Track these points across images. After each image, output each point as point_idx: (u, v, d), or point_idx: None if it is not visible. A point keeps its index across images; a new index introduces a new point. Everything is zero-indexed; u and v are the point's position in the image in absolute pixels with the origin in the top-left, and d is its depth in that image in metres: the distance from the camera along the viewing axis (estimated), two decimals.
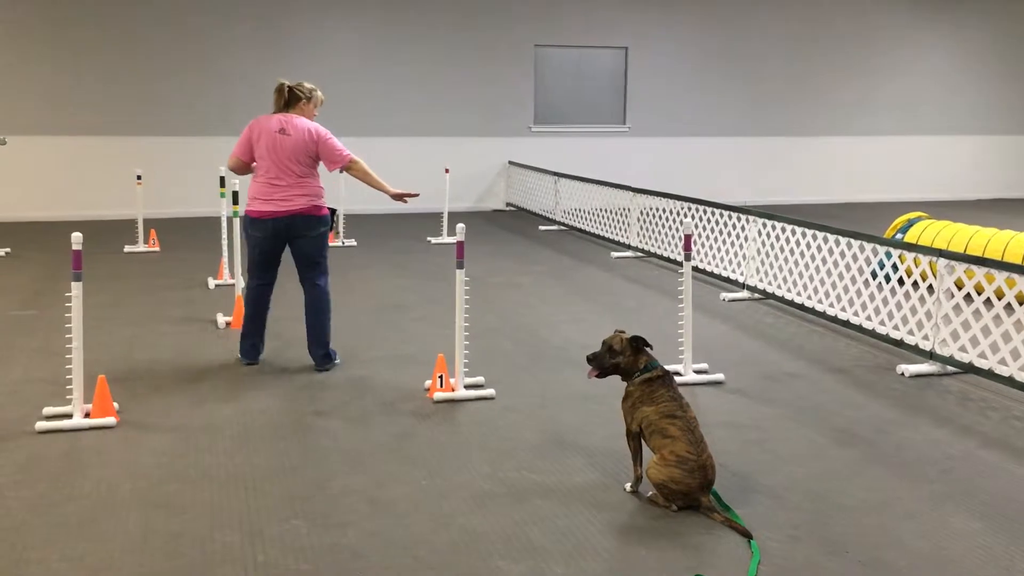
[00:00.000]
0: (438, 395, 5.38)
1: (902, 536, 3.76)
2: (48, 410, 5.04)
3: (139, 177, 10.89)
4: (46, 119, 13.24)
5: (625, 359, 4.21)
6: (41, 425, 4.85)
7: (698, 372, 5.90)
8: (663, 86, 15.69)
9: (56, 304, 7.66)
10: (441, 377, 5.43)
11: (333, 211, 6.12)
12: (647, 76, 15.61)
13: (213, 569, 3.45)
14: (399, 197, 6.03)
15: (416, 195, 6.13)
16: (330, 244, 6.14)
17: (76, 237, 4.88)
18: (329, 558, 3.54)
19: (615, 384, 5.35)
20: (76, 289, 4.88)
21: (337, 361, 6.12)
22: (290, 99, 5.91)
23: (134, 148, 13.39)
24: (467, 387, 5.51)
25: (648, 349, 4.22)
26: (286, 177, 5.77)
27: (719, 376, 5.84)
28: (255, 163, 5.90)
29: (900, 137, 17.00)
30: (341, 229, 6.45)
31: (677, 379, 5.59)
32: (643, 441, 4.13)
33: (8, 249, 10.46)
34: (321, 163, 5.95)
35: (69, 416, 4.95)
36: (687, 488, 3.90)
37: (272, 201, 5.78)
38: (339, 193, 11.20)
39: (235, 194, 7.67)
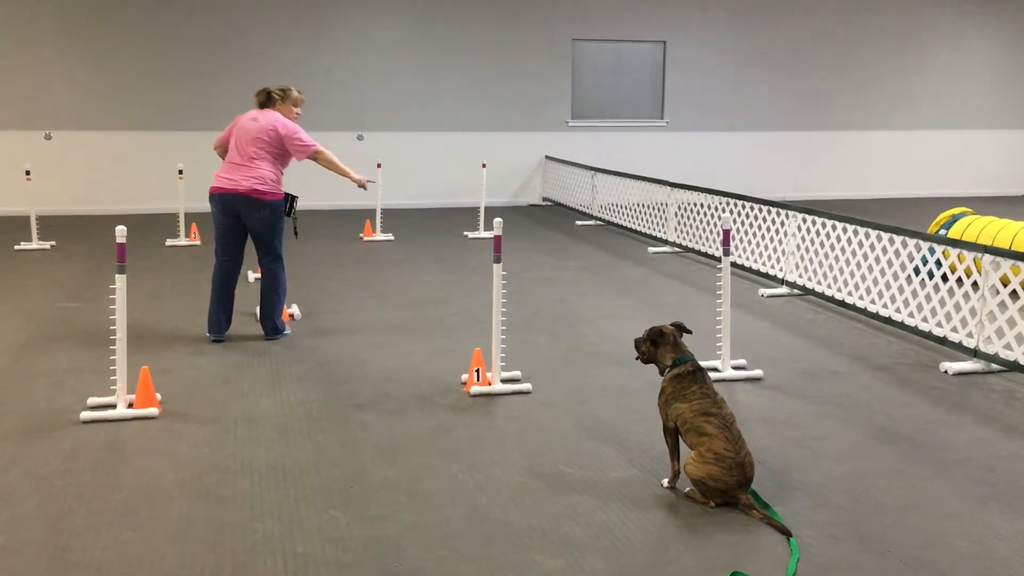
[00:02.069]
0: (475, 389, 5.39)
1: (945, 536, 3.71)
2: (93, 400, 5.13)
3: (181, 172, 11.03)
4: (90, 115, 13.46)
5: (646, 348, 4.25)
6: (86, 415, 4.93)
7: (736, 368, 5.86)
8: (701, 80, 15.58)
9: (100, 296, 7.79)
10: (478, 371, 5.44)
11: (291, 197, 6.57)
12: (685, 70, 15.50)
13: (253, 559, 3.49)
14: (361, 183, 6.74)
15: (372, 181, 7.15)
16: (294, 237, 6.81)
17: (120, 230, 4.95)
18: (368, 549, 3.57)
19: (652, 380, 5.33)
20: (120, 281, 4.95)
21: (287, 332, 6.69)
22: (267, 100, 6.60)
23: (176, 143, 13.56)
24: (504, 381, 5.51)
25: (665, 345, 4.17)
26: (240, 159, 6.39)
27: (758, 372, 5.79)
28: None
29: (944, 131, 16.73)
30: (296, 220, 6.62)
31: (715, 375, 5.58)
32: (679, 437, 4.11)
33: (53, 242, 10.66)
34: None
35: (113, 406, 5.03)
36: (725, 485, 3.87)
37: (223, 179, 6.41)
38: (376, 189, 11.26)
39: None
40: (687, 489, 4.04)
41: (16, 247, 10.39)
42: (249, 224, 6.44)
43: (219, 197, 6.39)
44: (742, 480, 3.89)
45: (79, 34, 13.32)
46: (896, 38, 16.32)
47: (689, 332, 4.32)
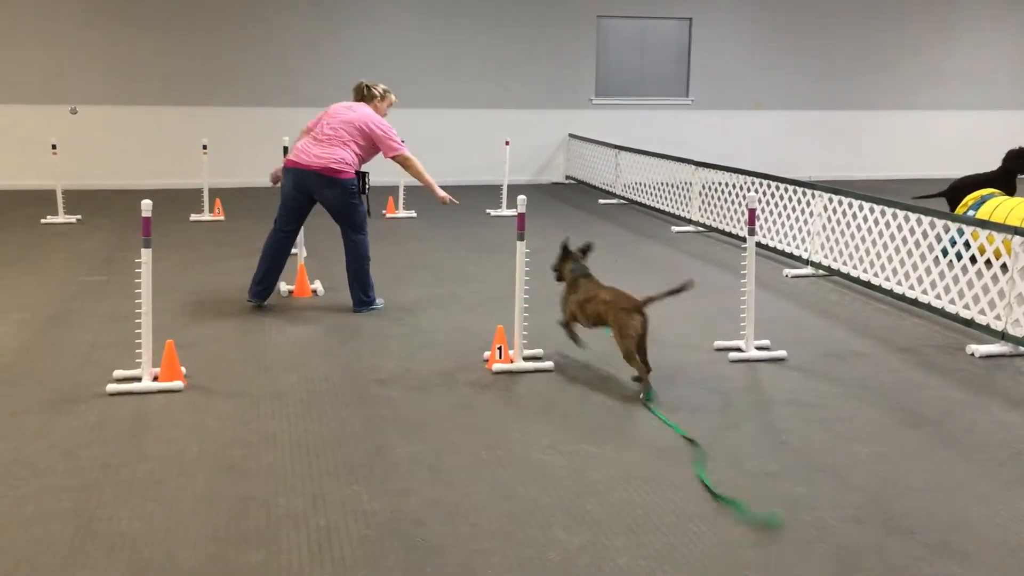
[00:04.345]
0: (497, 366, 5.39)
1: (970, 519, 3.68)
2: (118, 373, 5.17)
3: (205, 147, 11.06)
4: (115, 90, 13.51)
5: (557, 263, 5.61)
6: (111, 387, 4.98)
7: (760, 349, 5.82)
8: (727, 58, 15.41)
9: (125, 270, 7.84)
10: (500, 349, 5.44)
11: (361, 174, 6.58)
12: (711, 48, 15.34)
13: (277, 532, 3.52)
14: (444, 200, 6.74)
15: (456, 202, 6.91)
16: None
17: (146, 204, 4.96)
18: (390, 524, 3.58)
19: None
20: (145, 255, 4.98)
21: (378, 305, 6.76)
22: (364, 95, 6.76)
23: (200, 118, 13.59)
24: (526, 359, 5.51)
25: (567, 259, 5.57)
26: (322, 136, 6.46)
27: (781, 353, 5.75)
28: None
29: (971, 111, 16.48)
30: (369, 198, 6.72)
31: (739, 355, 5.60)
32: (580, 323, 5.33)
33: (79, 216, 10.73)
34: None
35: (138, 379, 5.07)
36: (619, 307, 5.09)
37: (300, 153, 6.47)
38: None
39: None
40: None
41: (42, 221, 10.48)
42: (323, 202, 6.51)
43: (294, 171, 6.46)
44: (630, 308, 5.03)
45: (105, 9, 13.34)
46: (923, 17, 16.06)
47: (592, 249, 5.57)
